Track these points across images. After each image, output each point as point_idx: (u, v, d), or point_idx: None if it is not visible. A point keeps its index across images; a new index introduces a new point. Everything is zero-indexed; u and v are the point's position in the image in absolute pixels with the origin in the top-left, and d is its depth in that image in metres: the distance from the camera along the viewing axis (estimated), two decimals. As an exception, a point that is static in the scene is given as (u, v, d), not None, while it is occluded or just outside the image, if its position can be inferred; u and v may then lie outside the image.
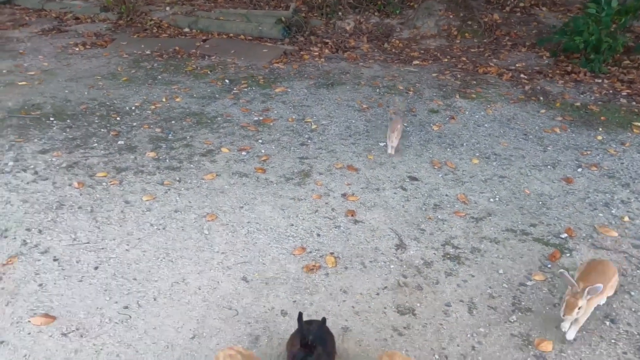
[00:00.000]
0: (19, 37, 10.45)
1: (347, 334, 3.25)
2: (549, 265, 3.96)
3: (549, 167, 5.61)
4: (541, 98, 7.84)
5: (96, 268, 3.72)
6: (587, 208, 4.80)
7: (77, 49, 9.76)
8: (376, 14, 11.86)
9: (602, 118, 7.04)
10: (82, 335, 3.12)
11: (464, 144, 6.18)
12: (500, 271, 3.90)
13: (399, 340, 3.22)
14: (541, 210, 4.75)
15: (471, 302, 3.58)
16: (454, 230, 4.42)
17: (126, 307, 3.37)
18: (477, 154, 5.91)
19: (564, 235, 4.34)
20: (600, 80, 8.68)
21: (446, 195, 5.01)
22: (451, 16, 11.32)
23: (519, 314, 3.47)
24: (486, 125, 6.78)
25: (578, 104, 7.55)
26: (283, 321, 3.33)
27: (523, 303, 3.57)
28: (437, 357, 3.10)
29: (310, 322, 2.94)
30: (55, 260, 3.78)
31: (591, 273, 3.20)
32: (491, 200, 4.93)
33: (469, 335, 3.28)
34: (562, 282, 3.75)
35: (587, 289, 2.91)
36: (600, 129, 6.65)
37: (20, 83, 7.85)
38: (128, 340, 3.10)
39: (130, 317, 3.29)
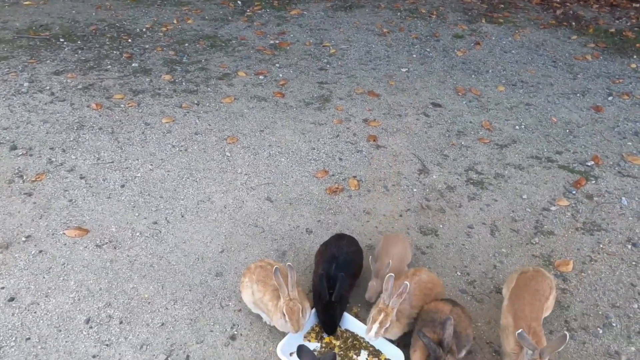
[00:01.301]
0: (18, -46, 9.87)
1: (371, 251, 3.32)
2: (574, 192, 3.93)
3: (578, 95, 5.40)
4: (573, 23, 7.39)
5: (122, 186, 3.76)
6: (616, 137, 4.67)
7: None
8: None
9: (637, 45, 6.66)
10: (115, 247, 3.22)
11: (490, 71, 5.93)
12: (524, 196, 3.89)
13: (422, 259, 3.29)
14: (568, 138, 4.64)
15: (494, 225, 3.61)
16: (478, 157, 4.36)
17: (155, 223, 3.44)
18: (503, 81, 5.69)
19: (591, 163, 4.27)
20: (638, 5, 8.12)
21: (470, 122, 4.88)
22: None
23: (541, 236, 3.51)
24: (513, 51, 6.46)
25: (612, 30, 7.12)
26: (308, 239, 3.40)
27: (545, 227, 3.59)
28: (459, 274, 3.18)
29: (342, 236, 3.00)
30: (82, 178, 3.82)
31: (524, 292, 2.62)
32: (516, 127, 4.81)
33: (490, 255, 3.34)
34: (587, 208, 3.74)
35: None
36: (635, 57, 6.31)
37: (25, 2, 7.52)
38: (160, 252, 3.20)
39: (160, 231, 3.37)
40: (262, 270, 2.70)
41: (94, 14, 7.23)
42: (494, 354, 2.69)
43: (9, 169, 3.87)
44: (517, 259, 3.32)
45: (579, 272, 3.22)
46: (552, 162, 4.30)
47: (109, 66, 5.67)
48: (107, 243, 3.25)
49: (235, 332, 2.73)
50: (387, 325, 2.40)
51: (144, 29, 6.77)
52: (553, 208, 3.77)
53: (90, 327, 2.72)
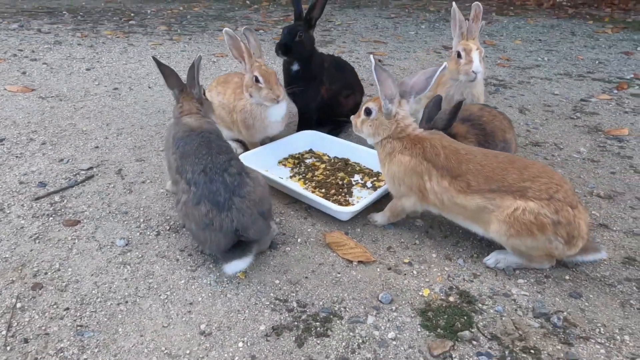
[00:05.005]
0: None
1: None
2: (615, 92, 3.32)
3: (603, 46, 4.96)
4: (587, 17, 7.19)
5: (88, 69, 3.30)
6: (654, 66, 4.14)
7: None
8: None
9: (659, 26, 6.34)
10: (61, 100, 2.67)
11: (504, 34, 5.59)
12: (556, 92, 3.29)
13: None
14: (598, 67, 4.10)
15: (523, 107, 2.98)
16: (497, 73, 3.83)
17: (116, 89, 2.91)
18: (520, 38, 5.32)
19: (630, 76, 3.70)
20: (652, 8, 7.96)
21: (485, 56, 4.43)
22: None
23: (583, 114, 2.86)
24: (527, 27, 6.16)
25: (630, 19, 6.87)
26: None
27: (587, 109, 2.95)
28: (483, 133, 2.52)
29: None
30: (44, 64, 3.38)
31: None
32: (538, 59, 4.32)
33: (522, 124, 2.68)
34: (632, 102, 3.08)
35: None
36: (661, 27, 5.96)
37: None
38: (114, 105, 2.64)
39: (120, 94, 2.83)
40: (222, 76, 2.15)
41: (102, 3, 7.30)
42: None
43: (-33, 56, 3.47)
44: (557, 127, 2.66)
45: (639, 136, 2.53)
46: (584, 77, 3.74)
47: (105, 22, 5.49)
48: (52, 97, 2.71)
49: (189, 156, 2.08)
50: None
51: (149, 12, 6.74)
52: (593, 99, 3.15)
53: (2, 144, 2.09)
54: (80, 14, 6.17)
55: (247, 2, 7.96)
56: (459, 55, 2.08)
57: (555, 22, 6.57)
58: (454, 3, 2.11)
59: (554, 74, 3.82)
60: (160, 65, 1.64)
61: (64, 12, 6.23)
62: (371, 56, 1.54)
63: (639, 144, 2.44)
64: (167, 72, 1.64)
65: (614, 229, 1.68)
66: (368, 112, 1.57)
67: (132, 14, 6.26)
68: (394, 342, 1.17)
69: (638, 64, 4.23)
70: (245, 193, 1.30)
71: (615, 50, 4.84)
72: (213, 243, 1.31)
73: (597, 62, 4.26)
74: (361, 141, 1.94)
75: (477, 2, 2.02)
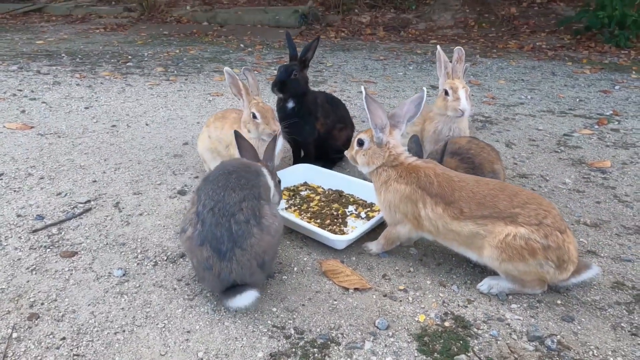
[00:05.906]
0: (43, 25, 10.77)
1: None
2: (596, 127, 3.47)
3: (582, 85, 5.20)
4: (566, 58, 7.55)
5: (87, 108, 3.37)
6: (630, 105, 4.33)
7: (97, 31, 9.97)
8: (392, 10, 12.01)
9: (634, 68, 6.67)
10: (59, 137, 2.72)
11: (489, 74, 5.85)
12: (540, 127, 3.42)
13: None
14: (579, 105, 4.30)
15: (509, 142, 3.09)
16: (483, 110, 3.98)
17: (114, 126, 2.97)
18: (503, 78, 5.56)
19: (609, 113, 3.87)
20: (626, 51, 8.38)
21: (471, 94, 4.61)
22: (467, 10, 11.34)
23: (567, 148, 2.97)
24: (510, 68, 6.45)
25: (606, 61, 7.23)
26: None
27: (570, 143, 3.07)
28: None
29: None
30: (43, 103, 3.45)
31: None
32: (522, 97, 4.52)
33: (509, 157, 2.78)
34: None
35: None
36: (635, 71, 6.26)
37: (38, 42, 7.93)
38: (112, 141, 2.69)
39: (117, 132, 2.89)
40: (220, 112, 2.23)
41: (100, 47, 7.51)
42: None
43: (-34, 96, 3.53)
44: (542, 160, 2.75)
45: (621, 167, 2.63)
46: (566, 114, 3.91)
47: (103, 64, 5.65)
48: (51, 134, 2.76)
49: (187, 189, 2.12)
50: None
51: (146, 54, 6.94)
52: (576, 134, 3.28)
53: (0, 179, 2.11)
54: (79, 56, 6.35)
55: (242, 45, 8.25)
56: (446, 93, 2.20)
57: (536, 64, 6.87)
58: (438, 46, 2.26)
59: (537, 111, 3.99)
60: (239, 140, 1.68)
61: (62, 55, 6.40)
62: (362, 87, 1.63)
63: (621, 175, 2.53)
64: (245, 147, 1.69)
65: (602, 255, 1.73)
66: (360, 142, 1.65)
67: (129, 57, 6.45)
68: (392, 367, 1.17)
69: (616, 102, 4.43)
70: (248, 245, 1.32)
71: (594, 89, 5.07)
72: (210, 283, 1.34)
73: (577, 99, 4.46)
74: (354, 173, 2.00)
75: (459, 47, 2.18)
